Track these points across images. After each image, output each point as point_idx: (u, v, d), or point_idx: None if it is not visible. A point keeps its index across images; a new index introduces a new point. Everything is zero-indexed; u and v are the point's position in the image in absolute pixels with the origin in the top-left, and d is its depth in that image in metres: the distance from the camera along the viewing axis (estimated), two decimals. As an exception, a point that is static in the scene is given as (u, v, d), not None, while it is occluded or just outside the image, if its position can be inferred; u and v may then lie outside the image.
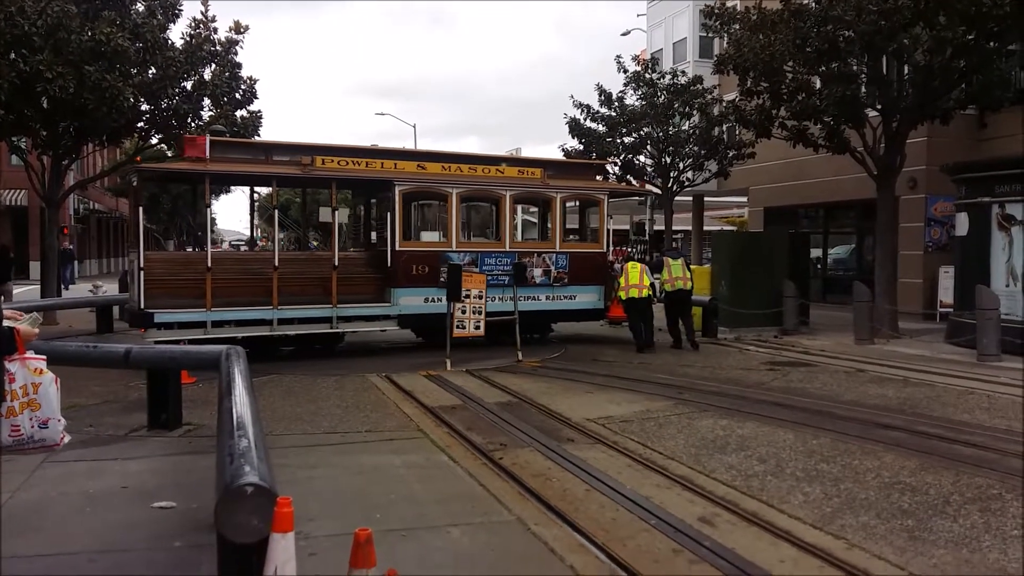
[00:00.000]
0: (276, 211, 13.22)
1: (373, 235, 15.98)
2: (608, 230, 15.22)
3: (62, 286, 23.06)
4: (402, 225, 13.34)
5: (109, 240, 51.83)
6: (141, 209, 11.81)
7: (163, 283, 11.79)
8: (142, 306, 11.41)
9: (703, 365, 12.31)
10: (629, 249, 18.25)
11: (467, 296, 12.20)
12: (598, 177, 16.50)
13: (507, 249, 14.23)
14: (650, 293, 14.11)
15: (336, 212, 13.28)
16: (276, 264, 12.21)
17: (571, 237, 17.27)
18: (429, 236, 15.16)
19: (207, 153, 11.95)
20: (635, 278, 13.98)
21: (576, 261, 14.70)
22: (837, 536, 5.01)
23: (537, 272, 14.28)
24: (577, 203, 15.95)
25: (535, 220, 16.70)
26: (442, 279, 13.05)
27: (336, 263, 12.71)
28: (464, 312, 12.26)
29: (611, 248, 15.60)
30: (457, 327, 12.18)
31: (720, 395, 9.74)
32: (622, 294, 14.09)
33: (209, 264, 11.82)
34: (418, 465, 6.62)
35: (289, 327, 12.40)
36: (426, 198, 14.80)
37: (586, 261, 14.86)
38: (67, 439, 3.59)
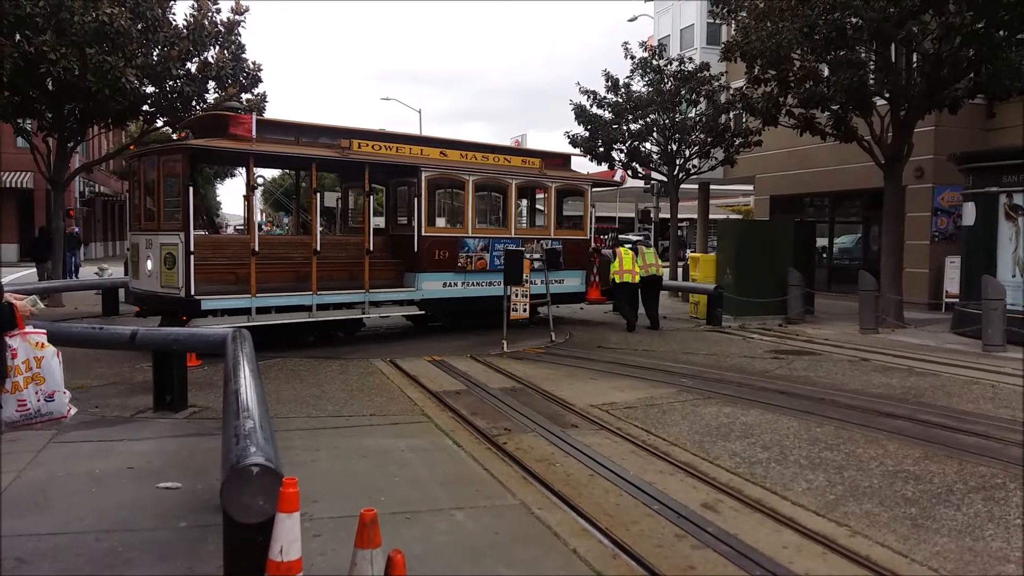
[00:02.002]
0: (318, 195, 12.75)
1: (376, 220, 15.98)
2: (591, 217, 16.07)
3: (70, 272, 23.15)
4: (427, 211, 13.48)
5: (114, 223, 51.88)
6: (192, 189, 11.12)
7: (208, 268, 11.38)
8: (192, 292, 10.83)
9: (707, 353, 12.31)
10: (605, 237, 18.93)
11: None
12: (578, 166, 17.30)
13: (512, 235, 14.74)
14: (641, 278, 15.06)
15: (371, 197, 13.16)
16: (318, 248, 12.04)
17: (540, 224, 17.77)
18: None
19: (253, 132, 11.53)
20: (628, 264, 14.92)
21: (566, 247, 15.41)
22: (840, 523, 5.02)
23: (535, 257, 14.72)
24: (549, 193, 16.13)
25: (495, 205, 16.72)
26: (460, 263, 13.72)
27: (371, 248, 12.66)
28: (517, 296, 12.92)
29: (593, 235, 16.44)
30: (512, 310, 12.87)
31: (724, 383, 9.75)
32: (616, 278, 14.95)
33: (256, 248, 11.50)
34: (422, 449, 6.64)
35: (324, 313, 12.22)
36: (445, 185, 14.75)
37: (574, 247, 15.63)
38: (74, 411, 3.59)
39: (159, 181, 11.57)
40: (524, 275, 12.86)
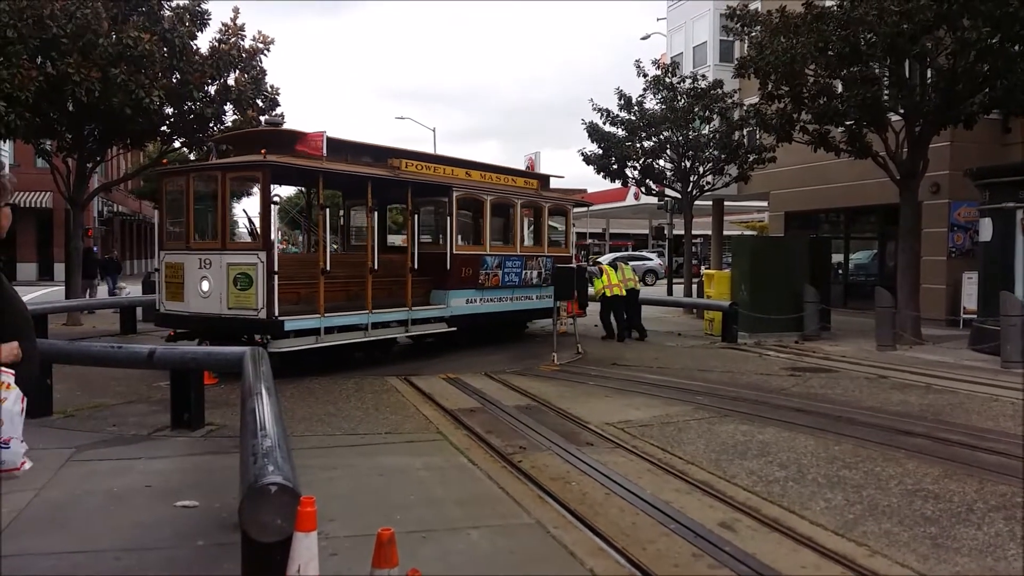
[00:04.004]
0: (375, 213, 12.63)
1: (391, 238, 16.12)
2: (573, 235, 17.21)
3: (111, 294, 23.36)
4: (456, 229, 13.65)
5: (132, 242, 52.40)
6: (274, 208, 10.85)
7: (285, 288, 11.02)
8: (276, 313, 10.54)
9: (723, 370, 12.25)
10: (581, 254, 20.08)
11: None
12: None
13: (518, 253, 15.20)
14: (625, 291, 16.16)
15: (416, 215, 13.26)
16: (375, 267, 12.04)
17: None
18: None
19: (324, 151, 11.42)
20: (615, 279, 16.18)
21: (556, 263, 15.93)
22: (859, 543, 4.97)
23: (533, 274, 15.44)
24: (543, 212, 16.56)
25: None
26: (480, 280, 14.08)
27: (416, 266, 12.72)
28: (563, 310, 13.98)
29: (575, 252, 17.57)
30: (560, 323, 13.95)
31: (740, 400, 9.69)
32: (607, 292, 16.00)
33: (328, 267, 11.34)
34: (438, 467, 6.64)
35: (377, 332, 12.15)
36: (468, 204, 14.85)
37: (560, 263, 16.08)
38: (28, 465, 3.30)
39: (223, 198, 11.09)
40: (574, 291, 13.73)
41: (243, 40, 16.41)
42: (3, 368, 3.16)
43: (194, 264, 11.21)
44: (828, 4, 14.68)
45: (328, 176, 11.80)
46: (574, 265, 15.68)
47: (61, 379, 9.19)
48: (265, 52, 16.64)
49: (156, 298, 11.89)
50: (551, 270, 15.71)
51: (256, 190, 13.72)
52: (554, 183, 17.32)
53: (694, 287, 23.30)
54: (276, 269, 10.56)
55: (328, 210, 11.96)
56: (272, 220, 10.80)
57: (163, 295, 11.69)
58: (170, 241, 11.90)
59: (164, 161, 16.01)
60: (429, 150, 33.87)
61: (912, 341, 14.92)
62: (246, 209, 13.05)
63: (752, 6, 16.66)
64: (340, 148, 12.38)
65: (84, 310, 18.28)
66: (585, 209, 19.10)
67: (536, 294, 15.66)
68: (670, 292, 26.29)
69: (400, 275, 12.82)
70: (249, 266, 10.69)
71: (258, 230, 13.00)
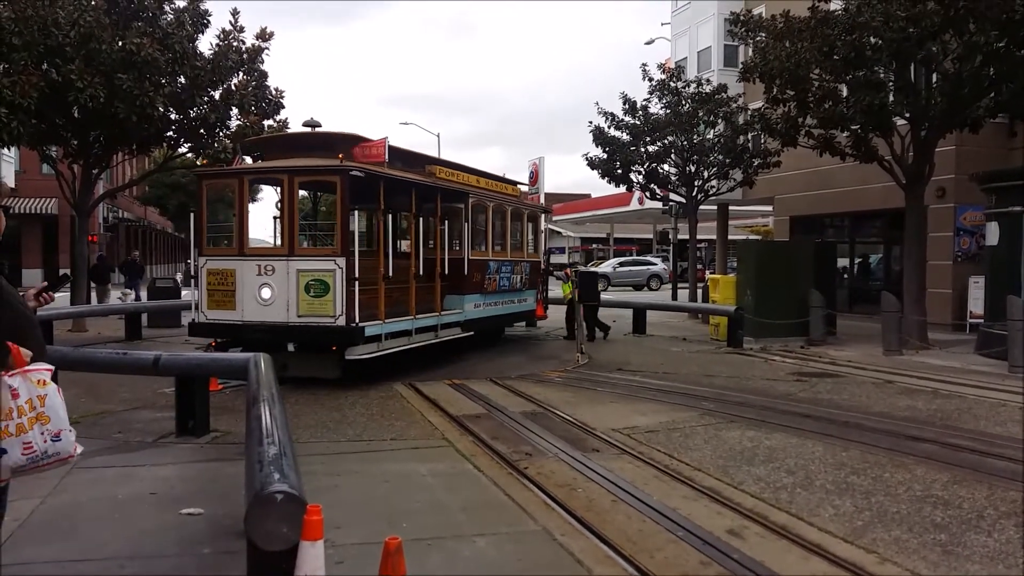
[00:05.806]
0: (419, 220, 12.41)
1: (400, 243, 16.09)
2: (543, 241, 17.95)
3: (137, 295, 23.26)
4: (471, 235, 13.78)
5: (138, 248, 52.46)
6: (357, 213, 10.73)
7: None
8: (356, 320, 10.28)
9: (729, 375, 12.20)
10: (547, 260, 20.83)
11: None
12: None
13: (509, 258, 15.46)
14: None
15: (446, 221, 13.26)
16: (419, 273, 12.08)
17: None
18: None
19: (386, 157, 11.31)
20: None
21: (532, 269, 16.56)
22: (869, 550, 4.93)
23: (516, 279, 15.70)
24: (523, 218, 16.83)
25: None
26: (485, 284, 14.21)
27: (447, 271, 12.75)
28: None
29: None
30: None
31: (746, 406, 9.65)
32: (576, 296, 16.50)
33: (390, 272, 11.20)
34: (443, 474, 6.61)
35: (420, 337, 12.09)
36: (478, 210, 14.85)
37: (535, 269, 16.78)
38: (80, 449, 3.39)
39: (290, 202, 10.79)
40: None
41: (243, 43, 16.40)
42: (40, 365, 3.24)
43: (251, 271, 10.67)
44: (833, 8, 14.65)
45: (388, 182, 11.38)
46: (572, 270, 16.03)
47: (66, 385, 9.06)
48: (267, 50, 16.58)
49: (193, 304, 11.25)
50: (528, 275, 16.33)
51: (262, 197, 13.66)
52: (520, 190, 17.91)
53: (699, 292, 23.24)
54: (356, 275, 10.29)
55: (389, 216, 11.96)
56: (354, 225, 10.58)
57: (204, 303, 11.02)
58: (213, 247, 11.45)
59: (204, 161, 15.84)
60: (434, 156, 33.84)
61: (918, 346, 14.85)
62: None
63: (756, 11, 16.58)
64: (399, 158, 12.31)
65: (91, 315, 18.27)
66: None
67: (518, 298, 15.90)
68: (675, 297, 26.25)
69: (422, 282, 12.77)
70: (326, 272, 10.32)
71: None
